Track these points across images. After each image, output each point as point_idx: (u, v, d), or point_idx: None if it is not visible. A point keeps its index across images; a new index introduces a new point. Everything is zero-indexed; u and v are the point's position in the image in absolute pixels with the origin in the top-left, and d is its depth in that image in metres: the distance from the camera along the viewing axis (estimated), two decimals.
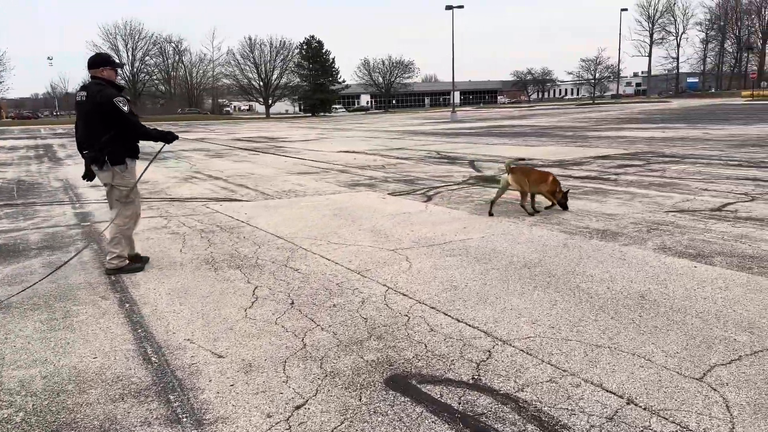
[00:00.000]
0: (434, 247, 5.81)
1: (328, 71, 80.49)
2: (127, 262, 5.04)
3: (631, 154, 14.74)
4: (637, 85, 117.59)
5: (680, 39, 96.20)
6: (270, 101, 77.43)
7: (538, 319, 3.78)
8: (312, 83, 79.16)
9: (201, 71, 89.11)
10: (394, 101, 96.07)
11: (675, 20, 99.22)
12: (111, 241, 4.97)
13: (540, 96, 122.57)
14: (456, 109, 49.41)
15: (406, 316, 3.91)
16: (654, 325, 3.62)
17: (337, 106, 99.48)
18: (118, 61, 6.25)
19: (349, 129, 38.28)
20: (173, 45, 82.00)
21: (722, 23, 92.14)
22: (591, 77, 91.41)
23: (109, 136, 4.70)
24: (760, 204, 7.66)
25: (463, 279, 4.72)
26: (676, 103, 57.96)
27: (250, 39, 76.91)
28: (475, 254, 5.50)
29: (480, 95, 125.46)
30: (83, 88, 4.88)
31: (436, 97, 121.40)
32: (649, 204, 7.93)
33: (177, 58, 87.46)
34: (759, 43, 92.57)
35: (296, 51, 79.64)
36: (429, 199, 9.03)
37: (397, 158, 16.17)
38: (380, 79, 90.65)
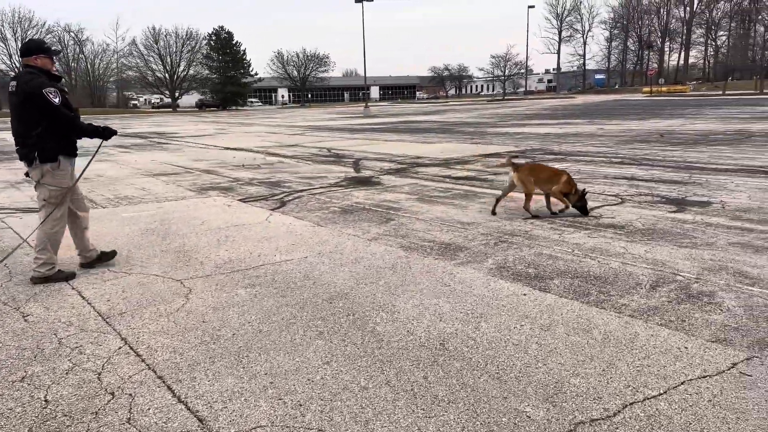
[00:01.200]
0: (237, 274, 4.75)
1: (239, 63, 77.44)
2: (57, 270, 4.59)
3: (520, 152, 14.31)
4: (549, 81, 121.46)
5: (586, 37, 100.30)
6: (177, 94, 73.49)
7: (289, 392, 2.80)
8: (222, 75, 75.88)
9: (105, 63, 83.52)
10: (309, 95, 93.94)
11: (581, 18, 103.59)
12: (37, 246, 4.51)
13: (457, 92, 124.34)
14: (369, 104, 48.55)
15: (111, 393, 2.82)
16: (435, 395, 2.73)
17: (254, 100, 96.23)
18: (54, 48, 5.51)
19: (254, 124, 36.60)
20: (73, 35, 76.14)
21: (625, 22, 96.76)
22: (501, 74, 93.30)
23: (40, 130, 4.33)
24: (626, 207, 7.13)
25: (238, 324, 3.69)
26: (580, 99, 60.02)
27: (154, 29, 72.67)
28: (280, 283, 4.49)
29: (399, 90, 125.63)
30: (14, 77, 4.46)
31: (355, 91, 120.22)
32: (509, 209, 7.24)
33: (77, 48, 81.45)
34: (658, 42, 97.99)
35: (204, 42, 76.14)
36: (282, 205, 7.97)
37: (283, 156, 15.02)
38: (295, 73, 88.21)
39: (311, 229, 6.41)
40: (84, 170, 4.84)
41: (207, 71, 75.57)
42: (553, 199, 6.84)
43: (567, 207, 6.64)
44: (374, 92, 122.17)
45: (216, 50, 76.31)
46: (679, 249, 5.18)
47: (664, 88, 68.22)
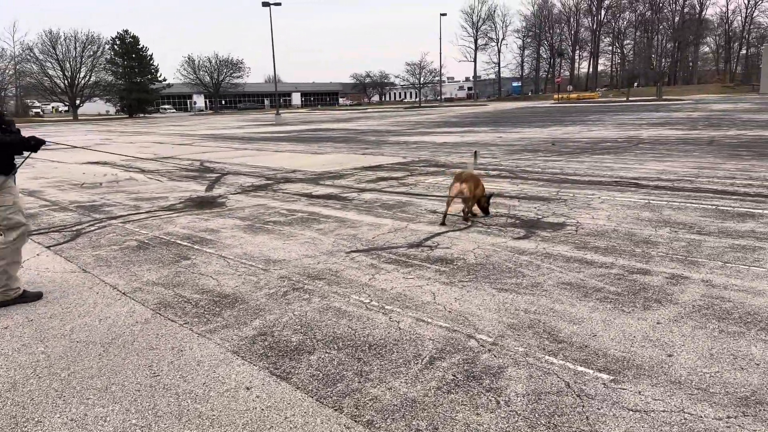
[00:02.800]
0: None
1: (146, 69, 73.43)
2: (22, 291, 4.30)
3: (404, 164, 13.44)
4: (469, 89, 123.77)
5: (500, 45, 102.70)
6: (78, 101, 68.66)
7: None
8: (128, 81, 71.63)
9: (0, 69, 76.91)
10: (223, 101, 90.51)
11: (495, 27, 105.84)
12: None
13: (380, 98, 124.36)
14: (283, 111, 46.92)
15: None
16: None
17: (167, 107, 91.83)
18: None
19: (151, 132, 34.28)
20: None
21: (537, 31, 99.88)
22: (416, 81, 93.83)
23: None
24: (471, 233, 6.24)
25: None
26: (492, 107, 60.83)
27: (50, 32, 67.47)
28: None
29: (322, 97, 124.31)
30: None
31: (275, 98, 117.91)
32: (343, 238, 6.18)
33: None
34: (569, 50, 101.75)
35: (107, 47, 71.64)
36: (72, 239, 6.55)
37: (143, 171, 13.43)
38: (207, 78, 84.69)
39: (65, 276, 5.07)
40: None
41: (111, 77, 71.06)
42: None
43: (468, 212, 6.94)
44: (296, 99, 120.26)
45: (120, 55, 71.98)
46: (497, 294, 4.25)
47: (574, 95, 70.53)
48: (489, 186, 9.48)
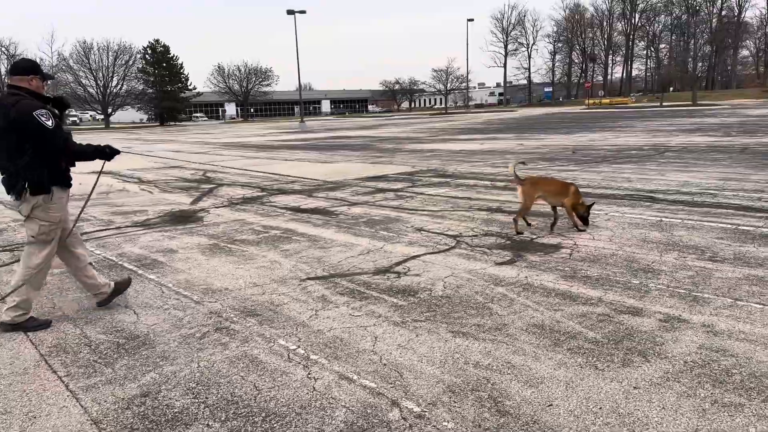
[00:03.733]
0: None
1: (176, 77, 74.41)
2: (29, 317, 3.97)
3: (410, 173, 12.78)
4: (500, 94, 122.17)
5: (531, 50, 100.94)
6: (110, 110, 69.94)
7: None
8: (159, 90, 72.67)
9: None
10: (252, 110, 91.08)
11: (525, 32, 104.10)
12: (14, 287, 3.90)
13: (410, 105, 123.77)
14: (307, 119, 46.81)
15: None
16: None
17: (198, 115, 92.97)
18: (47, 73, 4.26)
19: (174, 140, 34.42)
20: (4, 49, 71.48)
21: (569, 36, 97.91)
22: (443, 87, 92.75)
23: (27, 158, 3.78)
24: (450, 256, 5.53)
25: None
26: (519, 113, 59.55)
27: (84, 42, 68.97)
28: None
29: (351, 104, 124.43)
30: None
31: (306, 105, 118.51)
32: (306, 261, 5.55)
33: (8, 64, 76.79)
34: (602, 55, 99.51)
35: (139, 56, 72.85)
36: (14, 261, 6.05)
37: (141, 181, 13.08)
38: (236, 86, 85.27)
39: None
40: (87, 201, 4.47)
41: (143, 86, 72.24)
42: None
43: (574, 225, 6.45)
44: (325, 106, 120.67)
45: (152, 64, 73.13)
46: (451, 339, 3.54)
47: (606, 101, 68.66)
48: (490, 198, 8.74)
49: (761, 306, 3.90)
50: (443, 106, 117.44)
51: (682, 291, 4.28)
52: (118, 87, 69.63)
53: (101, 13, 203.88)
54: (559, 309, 4.01)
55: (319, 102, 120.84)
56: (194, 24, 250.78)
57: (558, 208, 6.50)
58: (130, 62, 70.41)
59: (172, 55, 74.45)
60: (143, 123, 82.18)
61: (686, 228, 6.31)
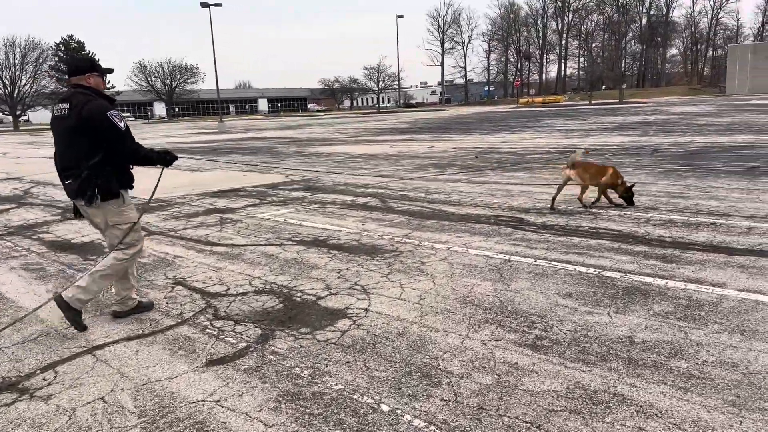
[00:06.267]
0: None
1: None
2: (137, 302, 4.05)
3: (271, 186, 10.85)
4: (441, 93, 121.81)
5: (467, 49, 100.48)
6: (19, 111, 64.62)
7: None
8: None
9: None
10: (177, 109, 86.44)
11: (461, 30, 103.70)
12: (93, 274, 3.77)
13: (351, 104, 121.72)
14: (224, 119, 44.14)
15: None
16: None
17: (125, 114, 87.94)
18: (106, 67, 3.95)
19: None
20: None
21: (504, 34, 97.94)
22: (375, 85, 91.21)
23: (96, 161, 3.68)
24: (236, 304, 3.60)
25: None
26: (451, 112, 58.45)
27: None
28: None
29: (290, 103, 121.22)
30: (64, 99, 3.80)
31: (242, 104, 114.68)
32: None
33: None
34: (537, 54, 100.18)
35: (51, 53, 67.62)
36: None
37: None
38: (159, 85, 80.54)
39: None
40: (149, 201, 4.44)
41: (55, 85, 67.15)
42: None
43: (603, 199, 7.29)
44: (263, 104, 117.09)
45: (66, 62, 68.15)
46: None
47: (539, 99, 68.66)
48: (319, 229, 6.66)
49: None
50: (385, 105, 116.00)
51: (457, 425, 2.49)
52: (28, 86, 64.40)
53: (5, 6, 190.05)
54: None
55: (255, 100, 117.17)
56: (114, 19, 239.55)
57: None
58: (41, 60, 65.25)
59: (87, 51, 69.54)
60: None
61: (533, 275, 4.61)
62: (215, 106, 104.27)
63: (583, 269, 4.71)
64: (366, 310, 4.00)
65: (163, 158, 4.05)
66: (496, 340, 3.40)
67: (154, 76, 79.62)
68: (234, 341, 3.55)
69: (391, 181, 10.68)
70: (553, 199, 7.33)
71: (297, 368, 3.15)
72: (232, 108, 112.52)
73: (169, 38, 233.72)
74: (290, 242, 6.13)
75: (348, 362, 3.19)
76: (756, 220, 6.18)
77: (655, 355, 3.12)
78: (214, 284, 4.74)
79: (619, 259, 4.96)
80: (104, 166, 3.72)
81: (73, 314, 3.72)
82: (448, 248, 5.59)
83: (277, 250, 5.82)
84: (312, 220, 7.33)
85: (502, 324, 3.64)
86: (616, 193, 7.19)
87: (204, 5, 40.59)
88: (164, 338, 3.66)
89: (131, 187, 3.97)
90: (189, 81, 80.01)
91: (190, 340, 3.62)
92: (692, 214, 6.63)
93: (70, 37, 68.73)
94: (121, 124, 3.71)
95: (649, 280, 4.37)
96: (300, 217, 7.50)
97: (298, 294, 4.42)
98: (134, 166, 3.98)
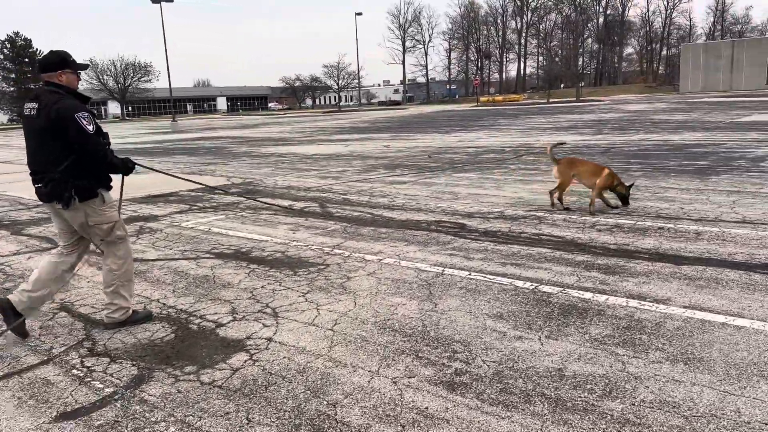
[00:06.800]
0: None
1: None
2: (131, 312, 3.82)
3: (208, 190, 10.16)
4: (405, 92, 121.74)
5: (427, 47, 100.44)
6: None
7: None
8: (21, 88, 64.86)
9: None
10: (130, 108, 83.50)
11: (422, 29, 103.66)
12: (108, 289, 3.77)
13: (313, 102, 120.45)
14: (177, 118, 42.80)
15: None
16: None
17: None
18: (81, 62, 3.75)
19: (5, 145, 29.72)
20: None
21: (464, 33, 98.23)
22: (335, 84, 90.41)
23: (68, 164, 3.51)
24: (119, 335, 3.00)
25: None
26: (412, 111, 58.16)
27: None
28: None
29: (250, 101, 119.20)
30: (33, 97, 3.63)
31: (200, 103, 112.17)
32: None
33: None
34: (497, 52, 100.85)
35: None
36: None
37: None
38: (111, 83, 77.65)
39: None
40: (119, 208, 3.93)
41: (4, 84, 64.21)
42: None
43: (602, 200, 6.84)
44: (222, 103, 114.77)
45: (11, 59, 65.19)
46: None
47: (499, 98, 69.00)
48: (250, 231, 6.05)
49: None
50: (348, 103, 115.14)
51: None
52: None
53: None
54: None
55: (214, 99, 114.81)
56: (65, 16, 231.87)
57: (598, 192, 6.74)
58: None
59: (35, 49, 66.66)
60: (3, 125, 73.21)
61: (464, 292, 4.16)
62: (181, 106, 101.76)
63: (519, 283, 4.29)
64: (269, 340, 3.47)
65: (126, 165, 3.85)
66: (410, 377, 2.92)
67: (107, 75, 76.81)
68: (100, 386, 2.98)
69: (337, 184, 10.16)
70: (559, 200, 7.00)
71: (163, 423, 2.60)
72: (190, 107, 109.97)
73: (125, 36, 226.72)
74: (207, 255, 5.55)
75: (227, 413, 2.66)
76: (704, 224, 5.89)
77: (587, 393, 2.69)
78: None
79: (558, 270, 4.55)
80: (79, 167, 3.56)
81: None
82: (380, 260, 5.11)
83: (190, 265, 5.24)
84: (239, 228, 6.75)
85: (420, 355, 3.17)
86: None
87: (155, 0, 39.18)
88: (18, 383, 3.07)
89: (110, 188, 3.78)
90: (143, 79, 77.44)
91: (49, 384, 3.03)
92: (640, 218, 6.31)
93: (17, 34, 65.76)
94: (90, 127, 3.49)
95: (588, 296, 3.97)
96: (227, 226, 6.91)
97: (197, 320, 3.86)
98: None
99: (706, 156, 11.43)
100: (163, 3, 39.71)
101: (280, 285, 4.51)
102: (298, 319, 3.79)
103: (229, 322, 3.79)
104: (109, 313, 3.80)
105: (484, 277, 4.49)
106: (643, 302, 3.79)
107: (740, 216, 6.16)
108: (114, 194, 3.84)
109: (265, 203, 8.21)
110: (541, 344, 3.22)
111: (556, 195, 7.01)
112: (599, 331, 3.37)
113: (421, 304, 3.94)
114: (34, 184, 3.66)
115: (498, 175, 10.31)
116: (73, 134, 3.44)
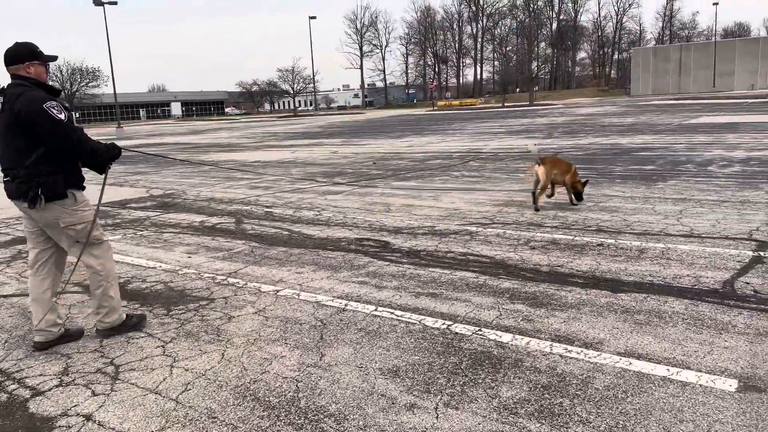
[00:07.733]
0: None
1: None
2: (125, 317, 3.67)
3: (121, 204, 9.20)
4: (365, 96, 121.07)
5: (384, 52, 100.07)
6: None
7: None
8: None
9: None
10: (78, 114, 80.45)
11: (378, 34, 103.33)
12: (97, 291, 3.57)
13: (271, 107, 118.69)
14: (123, 124, 41.12)
15: None
16: None
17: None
18: (47, 54, 3.51)
19: None
20: None
21: (421, 38, 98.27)
22: (289, 87, 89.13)
23: (35, 159, 3.30)
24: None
25: None
26: (367, 116, 57.49)
27: None
28: None
29: (206, 106, 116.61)
30: (0, 92, 3.40)
31: (154, 108, 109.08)
32: None
33: None
34: (454, 57, 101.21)
35: None
36: None
37: None
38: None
39: None
40: (99, 205, 3.65)
41: None
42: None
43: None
44: (176, 108, 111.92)
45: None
46: None
47: (456, 102, 69.04)
48: (140, 255, 5.19)
49: None
50: (308, 108, 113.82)
51: None
52: None
53: None
54: None
55: (168, 104, 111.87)
56: (9, 18, 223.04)
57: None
58: None
59: None
60: None
61: (363, 335, 3.42)
62: (121, 111, 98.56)
63: (430, 321, 3.57)
64: (87, 418, 2.64)
65: (111, 152, 3.56)
66: None
67: (52, 80, 73.54)
68: None
69: (265, 195, 9.33)
70: (537, 199, 6.98)
71: None
72: (143, 112, 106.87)
73: (73, 41, 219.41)
74: (74, 289, 4.66)
75: None
76: (648, 238, 5.31)
77: None
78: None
79: (478, 303, 3.86)
80: (45, 163, 3.33)
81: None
82: (277, 292, 4.32)
83: None
84: (129, 251, 5.87)
85: (307, 428, 2.40)
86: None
87: (98, 3, 37.49)
88: None
89: (83, 188, 3.55)
90: (90, 84, 74.31)
91: None
92: (579, 232, 5.70)
93: None
94: (62, 116, 3.28)
95: (507, 338, 3.27)
96: (117, 248, 6.00)
97: (11, 387, 3.00)
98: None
99: (653, 160, 11.04)
100: (106, 6, 37.96)
101: (140, 331, 3.68)
102: (140, 382, 2.97)
103: (50, 389, 2.95)
104: (100, 318, 3.59)
105: (391, 313, 3.76)
106: (569, 347, 3.12)
107: (687, 228, 5.62)
108: (88, 192, 3.56)
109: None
110: (437, 417, 2.49)
111: (541, 197, 7.03)
112: (512, 393, 2.67)
113: (303, 356, 3.17)
114: (3, 180, 3.40)
115: (439, 183, 9.66)
116: (45, 126, 3.22)
